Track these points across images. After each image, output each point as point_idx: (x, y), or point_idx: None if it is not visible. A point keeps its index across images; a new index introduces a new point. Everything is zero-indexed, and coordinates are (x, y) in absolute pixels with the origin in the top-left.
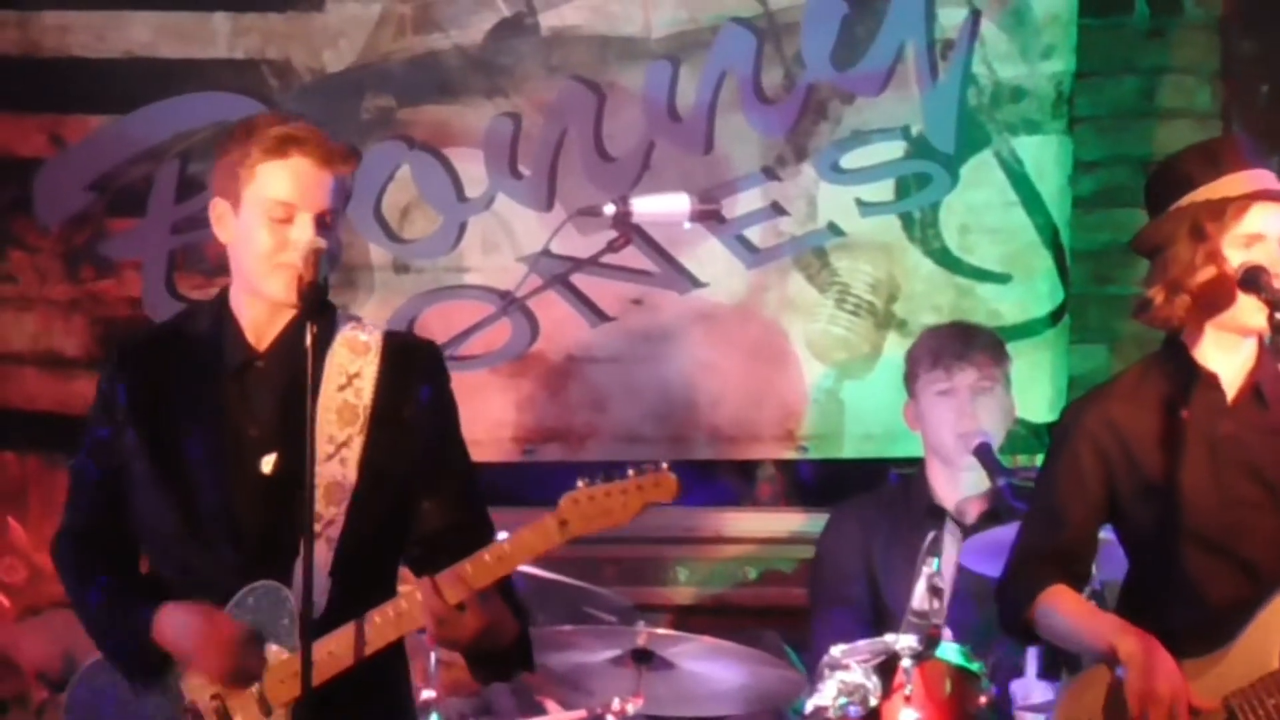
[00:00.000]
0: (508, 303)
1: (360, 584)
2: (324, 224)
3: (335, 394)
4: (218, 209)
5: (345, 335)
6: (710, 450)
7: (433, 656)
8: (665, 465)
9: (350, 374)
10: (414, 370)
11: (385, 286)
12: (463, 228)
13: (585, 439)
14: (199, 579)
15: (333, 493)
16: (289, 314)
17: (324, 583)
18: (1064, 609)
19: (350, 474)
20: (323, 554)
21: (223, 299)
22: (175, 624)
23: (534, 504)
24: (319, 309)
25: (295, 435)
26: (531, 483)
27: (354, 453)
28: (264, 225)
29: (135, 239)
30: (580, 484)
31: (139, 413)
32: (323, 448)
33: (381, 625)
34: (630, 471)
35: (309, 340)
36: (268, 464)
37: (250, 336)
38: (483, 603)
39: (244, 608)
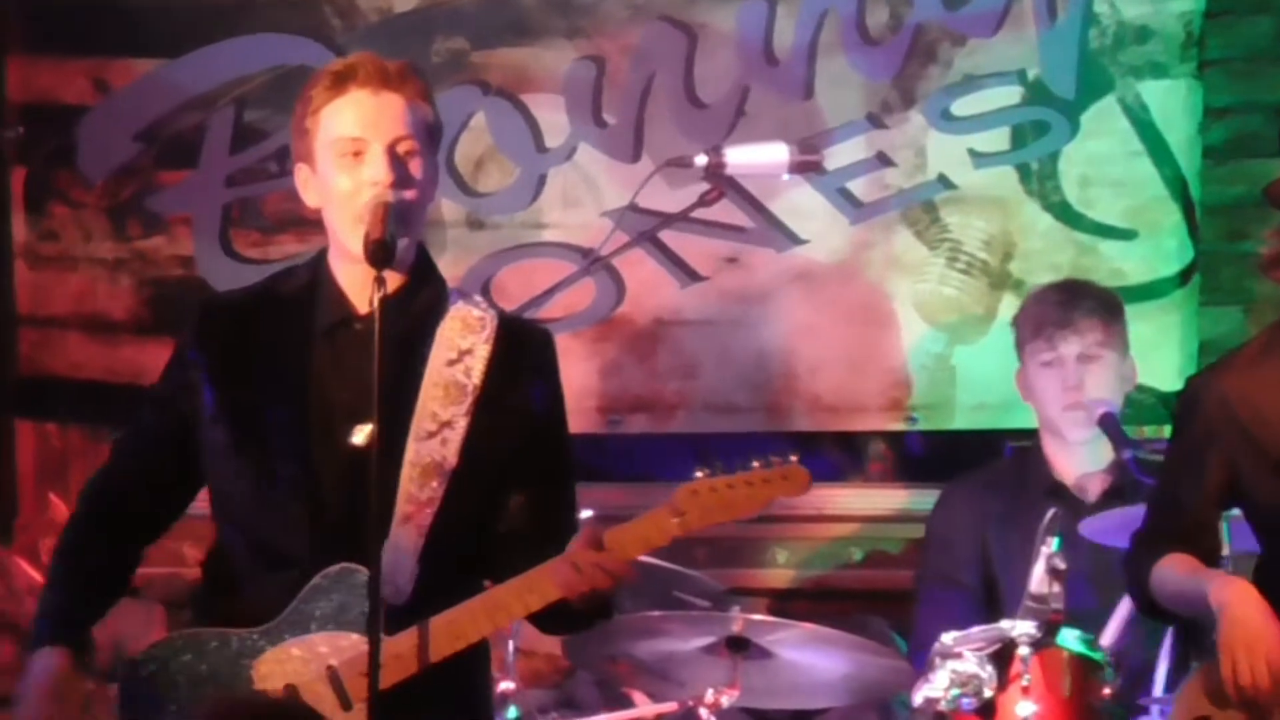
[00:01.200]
0: (591, 261)
1: (451, 574)
2: (400, 159)
3: (444, 369)
4: (300, 176)
5: (459, 309)
6: (809, 421)
7: (510, 646)
8: (795, 458)
9: (461, 350)
10: (527, 359)
11: (458, 244)
12: (542, 180)
13: (675, 409)
14: (274, 557)
15: (430, 474)
16: (395, 278)
17: (411, 569)
18: (1171, 572)
19: (451, 456)
20: (412, 538)
21: (321, 257)
22: (33, 669)
23: (619, 479)
24: (387, 264)
25: (394, 407)
26: (617, 455)
27: (457, 434)
28: (337, 170)
29: (186, 193)
30: (699, 474)
31: (219, 375)
32: (424, 424)
33: (476, 614)
34: (756, 463)
35: (376, 302)
36: (360, 435)
37: (349, 296)
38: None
39: (320, 591)
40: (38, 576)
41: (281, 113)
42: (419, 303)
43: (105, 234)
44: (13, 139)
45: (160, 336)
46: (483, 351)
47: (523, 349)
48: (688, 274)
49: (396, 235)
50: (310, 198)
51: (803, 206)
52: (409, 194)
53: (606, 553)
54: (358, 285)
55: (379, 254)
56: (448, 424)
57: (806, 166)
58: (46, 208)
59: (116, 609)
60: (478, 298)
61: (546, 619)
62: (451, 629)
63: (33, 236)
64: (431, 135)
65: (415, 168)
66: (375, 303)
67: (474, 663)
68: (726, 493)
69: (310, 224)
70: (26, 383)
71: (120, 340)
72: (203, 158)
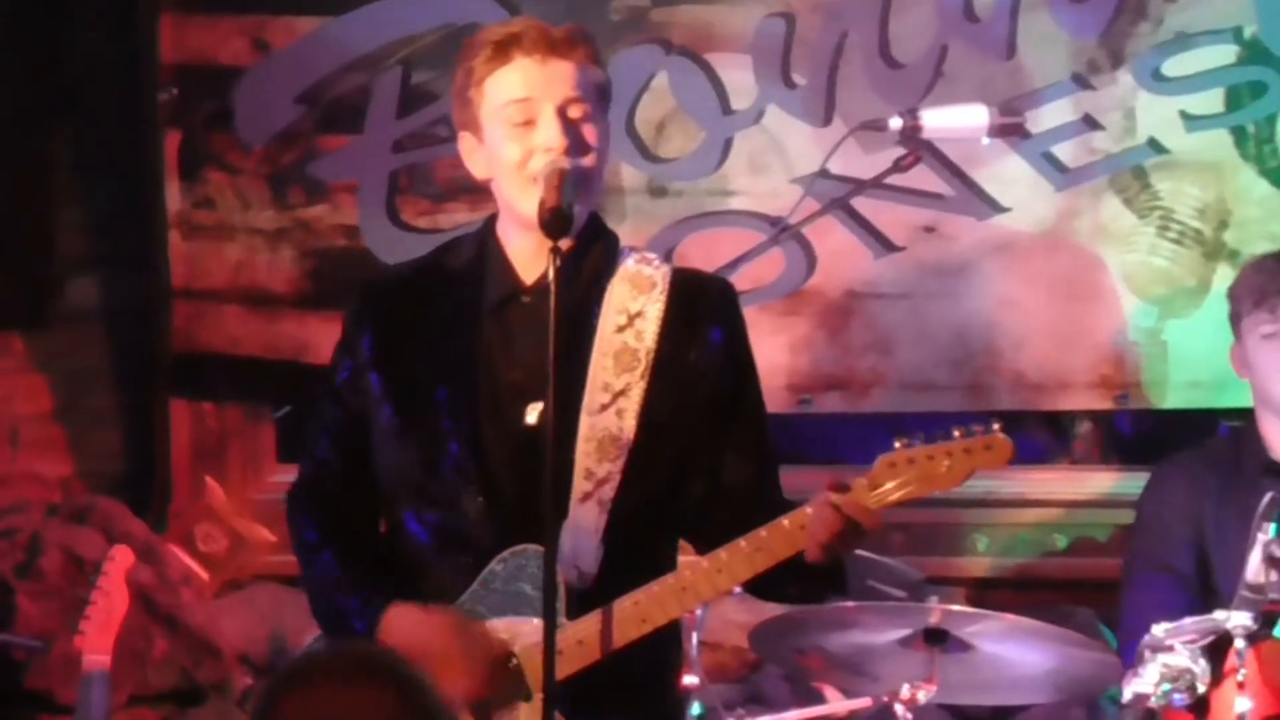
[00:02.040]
0: (779, 230)
1: (637, 552)
2: (572, 122)
3: (613, 336)
4: (465, 145)
5: (627, 269)
6: (1013, 400)
7: (694, 638)
8: (997, 426)
9: (631, 313)
10: (704, 310)
11: (638, 212)
12: (728, 145)
13: (869, 387)
14: (449, 541)
15: (607, 448)
16: (564, 241)
17: (594, 550)
18: None
19: (628, 427)
20: (593, 517)
21: (488, 227)
22: (408, 630)
23: (810, 461)
24: (564, 234)
25: (565, 381)
26: (807, 437)
27: (633, 403)
28: (506, 136)
29: (351, 158)
30: (897, 445)
31: (384, 355)
32: (596, 397)
33: (663, 596)
34: (956, 432)
35: (552, 274)
36: (532, 413)
37: (518, 269)
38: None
39: (499, 575)
40: (193, 565)
41: (452, 74)
42: (587, 267)
43: (264, 202)
44: (166, 102)
45: (322, 310)
46: (654, 311)
47: (698, 302)
48: (882, 244)
49: (573, 203)
50: (477, 168)
51: (1004, 172)
52: (585, 160)
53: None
54: (527, 256)
55: (556, 223)
56: (622, 393)
57: (1008, 130)
58: (202, 174)
59: (274, 599)
60: (649, 254)
61: (772, 584)
62: (637, 612)
63: (187, 205)
64: (603, 98)
65: (589, 132)
66: (552, 274)
67: (662, 651)
68: (926, 464)
69: (483, 192)
70: (181, 359)
71: (280, 314)
72: (368, 121)
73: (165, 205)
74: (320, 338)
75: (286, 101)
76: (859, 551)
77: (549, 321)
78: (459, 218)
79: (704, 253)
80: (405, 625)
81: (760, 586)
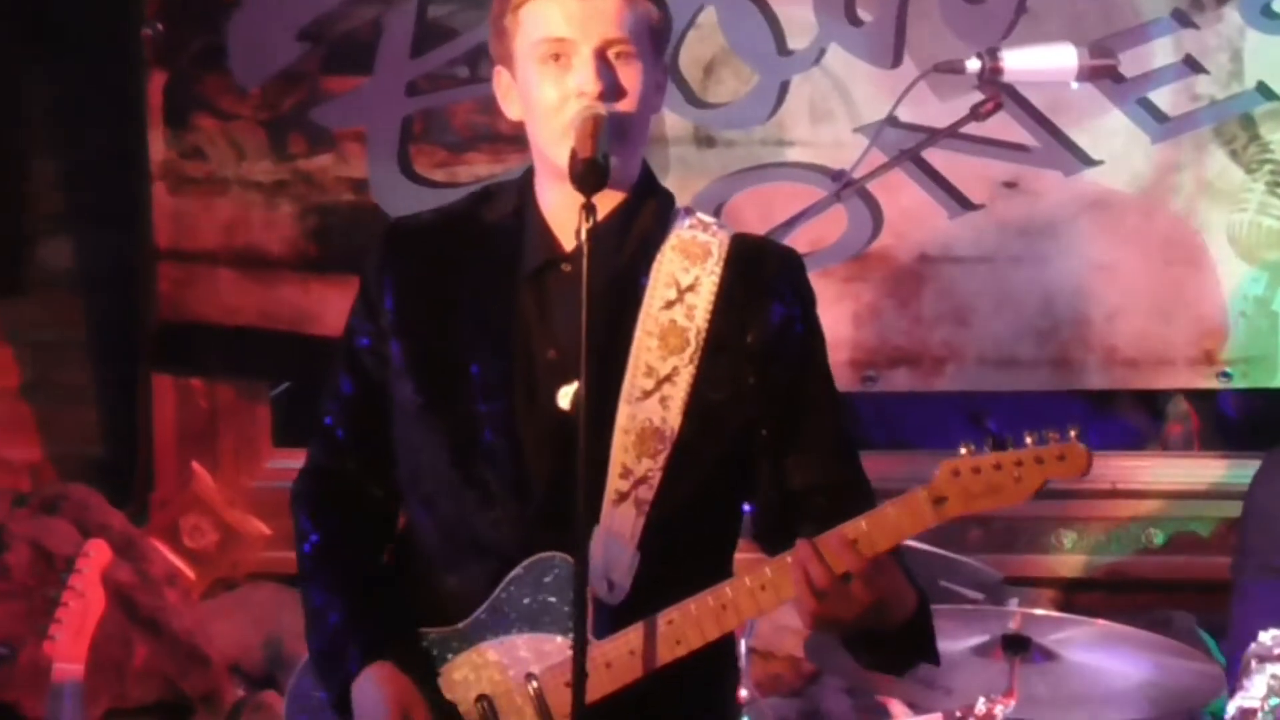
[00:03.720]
0: (842, 185)
1: (677, 563)
2: (611, 65)
3: (660, 312)
4: (500, 82)
5: (680, 235)
6: (1104, 378)
7: (742, 645)
8: (1074, 433)
9: (682, 286)
10: (765, 284)
11: (683, 164)
12: (784, 89)
13: (943, 362)
14: (470, 539)
15: (647, 442)
16: (609, 200)
17: (629, 559)
18: None
19: (673, 418)
20: (628, 521)
21: (527, 179)
22: (370, 698)
23: (874, 446)
24: (597, 188)
25: (603, 363)
26: (873, 418)
27: (679, 390)
28: (539, 77)
29: (359, 103)
30: (962, 451)
31: (409, 320)
32: (638, 382)
33: (700, 616)
34: (1028, 439)
35: (584, 235)
36: (565, 397)
37: (555, 230)
38: (874, 573)
39: (523, 584)
40: (178, 562)
41: (473, 6)
42: (635, 229)
43: (262, 151)
44: (150, 37)
45: (327, 274)
46: (708, 285)
47: (759, 274)
48: (958, 201)
49: (609, 154)
50: (511, 108)
51: (1096, 122)
52: (624, 105)
53: (813, 556)
54: (567, 215)
55: (588, 176)
56: (667, 378)
57: (1100, 73)
58: (191, 120)
59: (270, 600)
60: (707, 218)
61: (858, 657)
62: (672, 632)
63: (174, 154)
64: (655, 37)
65: (632, 74)
66: (584, 237)
67: (713, 665)
68: (993, 475)
69: (506, 139)
70: (167, 329)
71: (279, 278)
72: (378, 60)
73: (149, 155)
74: (323, 305)
75: (287, 38)
76: (931, 549)
77: (590, 292)
78: (479, 170)
79: (757, 211)
80: (372, 692)
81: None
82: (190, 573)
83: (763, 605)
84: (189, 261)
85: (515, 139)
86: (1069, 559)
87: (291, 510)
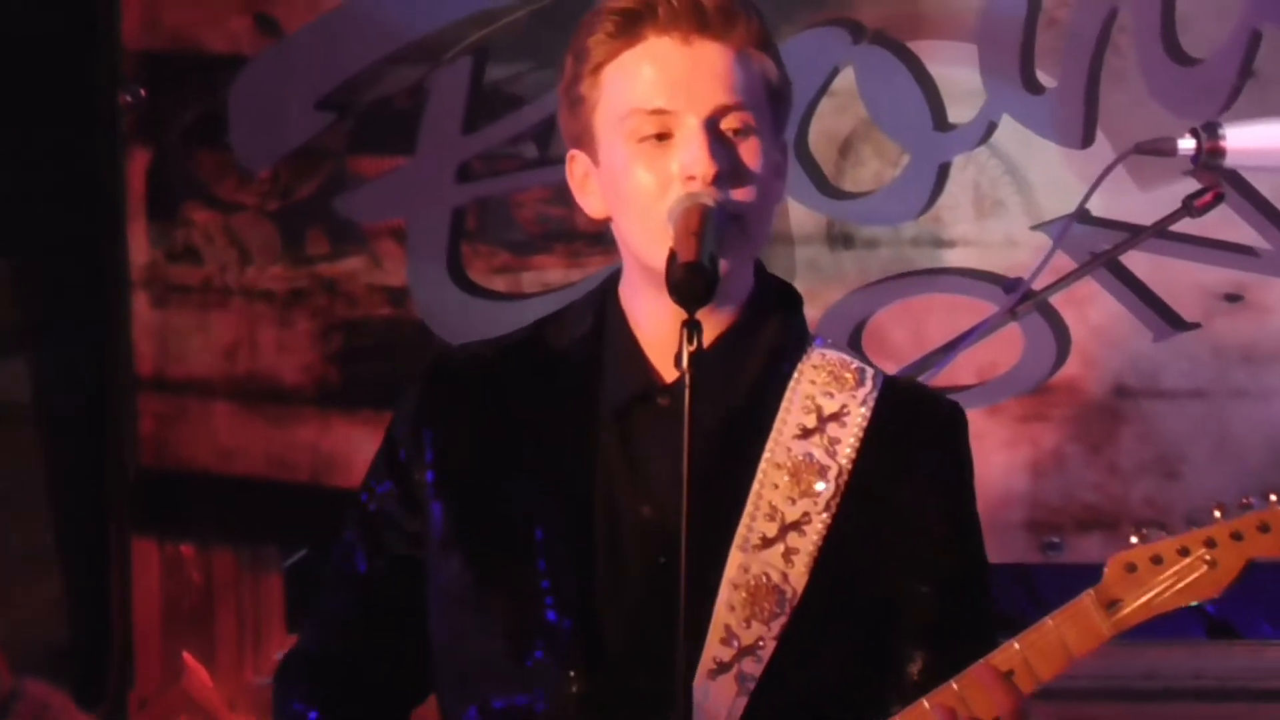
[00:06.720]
0: (1018, 299)
1: None
2: (726, 141)
3: (794, 442)
4: (576, 169)
5: (824, 356)
6: None
7: None
8: (1275, 497)
9: (825, 414)
10: (922, 435)
11: (814, 270)
12: (943, 173)
13: (1146, 525)
14: None
15: (761, 602)
16: (721, 318)
17: None
18: None
19: (796, 576)
20: (727, 700)
21: (609, 290)
22: None
23: None
24: (704, 301)
25: (711, 505)
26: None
27: (809, 543)
28: (631, 158)
29: (397, 190)
30: (1133, 540)
31: (455, 479)
32: (758, 526)
33: None
34: (1217, 513)
35: (685, 361)
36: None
37: (650, 354)
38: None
39: None
40: None
41: (543, 68)
42: (757, 349)
43: (272, 252)
44: (130, 105)
45: (355, 410)
46: (858, 416)
47: (916, 423)
48: (1166, 319)
49: (717, 257)
50: (590, 202)
51: None
52: (740, 193)
53: (996, 685)
54: (665, 335)
55: (691, 285)
56: (795, 526)
57: None
58: (181, 211)
59: None
60: (848, 354)
61: None
62: None
63: (160, 255)
64: (775, 102)
65: (751, 151)
66: (685, 361)
67: None
68: (1178, 561)
69: (587, 238)
70: (149, 479)
71: (295, 415)
72: (422, 136)
73: (128, 256)
74: (349, 449)
75: (305, 107)
76: None
77: (697, 430)
78: (551, 276)
79: (907, 330)
80: None
81: None
82: None
83: None
84: (177, 393)
85: (599, 237)
86: None
87: (275, 694)
